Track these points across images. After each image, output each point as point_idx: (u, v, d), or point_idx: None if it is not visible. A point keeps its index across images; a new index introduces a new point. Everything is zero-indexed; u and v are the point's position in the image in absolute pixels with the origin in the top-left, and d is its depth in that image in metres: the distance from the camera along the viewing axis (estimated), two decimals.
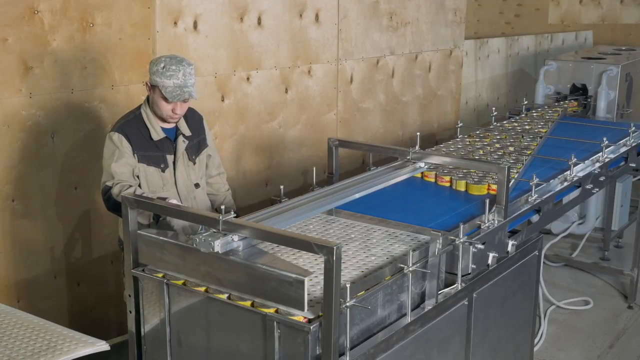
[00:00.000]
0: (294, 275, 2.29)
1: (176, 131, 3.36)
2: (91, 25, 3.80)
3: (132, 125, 3.26)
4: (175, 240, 2.64)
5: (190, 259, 2.57)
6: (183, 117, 3.35)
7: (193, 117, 3.43)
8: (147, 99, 3.31)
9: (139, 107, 3.34)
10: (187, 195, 3.39)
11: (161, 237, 2.68)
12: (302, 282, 2.26)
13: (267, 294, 2.38)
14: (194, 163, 3.42)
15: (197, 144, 3.45)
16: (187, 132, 3.38)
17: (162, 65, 3.16)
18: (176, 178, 3.35)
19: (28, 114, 3.63)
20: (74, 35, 3.74)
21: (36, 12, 3.56)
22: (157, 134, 3.29)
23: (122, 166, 3.19)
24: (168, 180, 3.33)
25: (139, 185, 3.26)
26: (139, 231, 2.72)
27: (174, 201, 3.08)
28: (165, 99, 3.19)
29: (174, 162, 3.34)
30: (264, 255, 2.51)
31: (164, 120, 3.30)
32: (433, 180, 3.80)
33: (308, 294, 2.28)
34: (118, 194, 3.08)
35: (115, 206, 3.13)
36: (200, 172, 3.48)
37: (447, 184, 3.74)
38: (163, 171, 3.31)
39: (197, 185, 3.45)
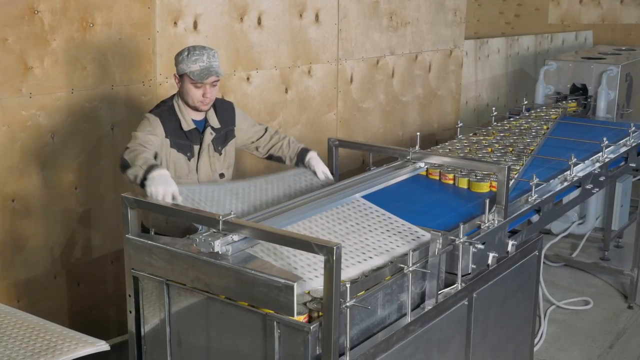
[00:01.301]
0: (282, 281, 2.28)
1: (205, 123, 3.43)
2: (91, 25, 3.80)
3: (166, 113, 3.36)
4: (164, 245, 2.64)
5: (179, 263, 2.57)
6: (213, 108, 3.44)
7: (222, 108, 3.51)
8: (179, 91, 3.39)
9: (172, 98, 3.43)
10: None
11: (149, 242, 2.67)
12: (292, 288, 2.25)
13: (256, 299, 2.38)
14: (220, 154, 3.49)
15: (225, 135, 3.51)
16: (216, 125, 3.46)
17: (186, 53, 3.29)
18: (198, 167, 3.42)
19: (28, 114, 3.63)
20: (74, 35, 3.74)
21: (36, 12, 3.57)
22: (187, 124, 3.37)
23: (147, 136, 3.25)
24: (192, 169, 3.41)
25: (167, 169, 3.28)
26: (127, 235, 2.72)
27: (176, 193, 3.04)
28: (195, 84, 3.28)
29: (199, 153, 3.41)
30: (253, 260, 2.50)
31: (196, 109, 3.38)
32: (437, 177, 3.83)
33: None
34: (127, 155, 3.13)
35: (122, 163, 3.16)
36: (227, 163, 3.54)
37: (451, 182, 3.76)
38: (189, 159, 3.39)
39: (221, 175, 3.51)
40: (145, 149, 3.20)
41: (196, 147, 3.41)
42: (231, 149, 3.56)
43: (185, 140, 3.38)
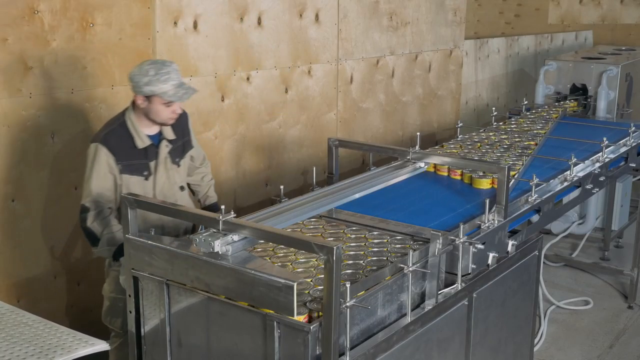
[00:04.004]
0: (282, 280, 2.28)
1: (160, 135, 3.33)
2: (91, 25, 3.80)
3: (115, 135, 3.23)
4: (164, 245, 2.64)
5: (179, 263, 2.57)
6: None
7: (178, 118, 3.32)
8: (132, 106, 3.27)
9: (123, 113, 3.30)
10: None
11: (149, 242, 2.67)
12: (292, 287, 2.25)
13: (256, 299, 2.37)
14: (178, 166, 3.39)
15: (182, 146, 3.42)
16: (171, 136, 3.35)
17: (152, 73, 3.11)
18: (155, 183, 3.31)
19: (28, 114, 3.63)
20: (74, 35, 3.74)
21: (36, 12, 3.56)
22: (142, 141, 3.26)
23: (99, 184, 3.21)
24: (148, 187, 3.29)
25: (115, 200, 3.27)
26: (127, 235, 2.72)
27: None
28: (166, 104, 3.17)
29: (155, 168, 3.31)
30: (253, 260, 2.50)
31: (162, 124, 3.28)
32: (446, 173, 3.90)
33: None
34: (92, 223, 3.19)
35: (86, 232, 3.22)
36: (186, 175, 3.46)
37: (459, 177, 3.84)
38: (146, 179, 3.28)
39: (181, 188, 3.42)
40: (103, 210, 3.19)
41: (152, 164, 3.29)
42: (188, 161, 3.46)
43: (140, 160, 3.26)
